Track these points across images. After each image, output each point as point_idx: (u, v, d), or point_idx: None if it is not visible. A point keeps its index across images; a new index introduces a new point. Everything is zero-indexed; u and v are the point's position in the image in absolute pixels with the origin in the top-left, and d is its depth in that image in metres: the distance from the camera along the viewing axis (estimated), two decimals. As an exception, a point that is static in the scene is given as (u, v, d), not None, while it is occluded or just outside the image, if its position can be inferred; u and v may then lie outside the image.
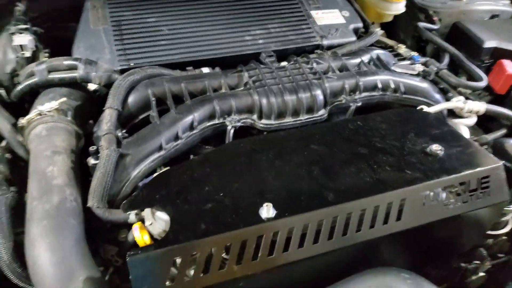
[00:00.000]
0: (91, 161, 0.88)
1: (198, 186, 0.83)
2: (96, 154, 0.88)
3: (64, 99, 1.00)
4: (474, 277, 1.34)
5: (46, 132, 0.93)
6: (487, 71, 1.53)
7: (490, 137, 1.30)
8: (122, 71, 1.13)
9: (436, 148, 0.96)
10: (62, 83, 1.07)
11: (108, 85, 1.07)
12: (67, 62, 1.07)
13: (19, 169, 1.01)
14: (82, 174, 0.93)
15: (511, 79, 1.42)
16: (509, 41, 1.56)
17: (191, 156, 1.03)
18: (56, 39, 1.39)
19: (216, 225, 0.75)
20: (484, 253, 1.24)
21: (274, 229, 0.76)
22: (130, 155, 0.90)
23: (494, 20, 1.72)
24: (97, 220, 0.84)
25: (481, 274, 1.28)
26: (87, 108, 1.08)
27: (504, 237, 1.21)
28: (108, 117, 0.94)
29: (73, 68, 1.07)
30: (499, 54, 1.53)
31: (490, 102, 1.49)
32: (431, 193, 0.89)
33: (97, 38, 1.19)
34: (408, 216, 0.86)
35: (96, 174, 0.84)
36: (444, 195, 0.90)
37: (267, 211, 0.77)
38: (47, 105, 0.96)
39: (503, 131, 1.33)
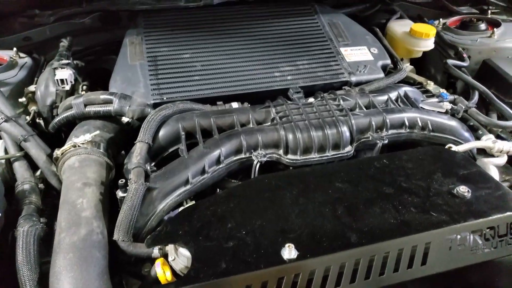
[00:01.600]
0: (119, 193, 0.92)
1: (220, 222, 0.84)
2: (124, 187, 0.91)
3: (97, 132, 1.06)
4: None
5: (78, 163, 0.98)
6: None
7: (523, 177, 1.26)
8: (155, 105, 1.18)
9: (463, 189, 0.94)
10: (97, 116, 1.13)
11: (141, 118, 1.12)
12: (103, 96, 1.14)
13: (51, 198, 1.05)
14: (111, 205, 0.96)
15: (544, 117, 1.38)
16: (541, 78, 1.53)
17: (218, 190, 1.06)
18: (97, 70, 1.49)
19: (237, 264, 0.75)
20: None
21: (295, 271, 0.75)
22: (157, 189, 0.93)
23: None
24: (122, 253, 0.86)
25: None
26: (120, 140, 1.14)
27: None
28: (138, 151, 0.98)
29: (108, 102, 1.13)
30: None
31: (523, 140, 1.45)
32: (458, 237, 0.86)
33: (133, 72, 1.26)
34: (434, 261, 0.84)
35: (123, 208, 0.87)
36: (472, 239, 0.87)
37: (289, 252, 0.76)
38: (81, 138, 1.01)
39: (536, 172, 1.29)
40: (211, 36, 1.41)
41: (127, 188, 0.91)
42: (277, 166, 1.11)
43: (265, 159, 1.05)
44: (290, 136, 1.08)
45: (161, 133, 1.07)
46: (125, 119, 1.16)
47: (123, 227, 0.85)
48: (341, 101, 1.22)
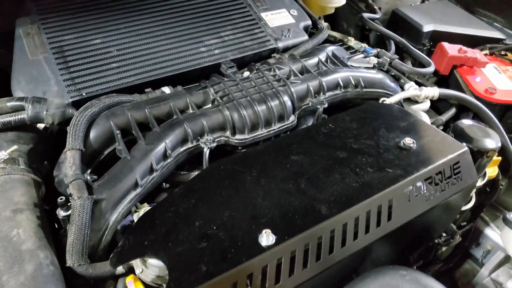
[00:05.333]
0: (61, 213, 0.79)
1: (187, 222, 0.77)
2: (65, 205, 0.79)
3: (15, 147, 0.88)
4: (444, 249, 1.42)
5: (0, 188, 0.81)
6: (428, 53, 1.62)
7: (444, 118, 1.37)
8: (74, 104, 1.02)
9: (409, 141, 0.99)
10: (7, 128, 0.94)
11: (63, 122, 0.97)
12: (11, 103, 0.94)
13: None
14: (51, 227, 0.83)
15: (453, 60, 1.50)
16: (443, 23, 1.66)
17: (163, 184, 0.97)
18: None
19: (218, 263, 0.70)
20: (454, 228, 1.31)
21: (277, 256, 0.73)
22: (105, 199, 0.82)
23: (425, 4, 1.83)
24: (80, 278, 0.76)
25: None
26: (41, 150, 0.97)
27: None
28: (71, 160, 0.84)
29: (19, 109, 0.95)
30: (437, 36, 1.62)
31: (436, 83, 1.58)
32: (414, 188, 0.91)
33: (39, 69, 1.07)
34: (398, 214, 0.88)
35: (71, 229, 0.75)
36: (425, 187, 0.93)
37: (266, 238, 0.73)
38: (-5, 158, 0.84)
39: (453, 110, 1.41)
40: (121, 15, 1.24)
41: (69, 205, 0.79)
42: (224, 149, 1.06)
43: (214, 144, 0.98)
44: (236, 116, 1.02)
45: (92, 135, 0.93)
46: (41, 125, 0.98)
47: (76, 250, 0.74)
48: (276, 70, 1.18)
